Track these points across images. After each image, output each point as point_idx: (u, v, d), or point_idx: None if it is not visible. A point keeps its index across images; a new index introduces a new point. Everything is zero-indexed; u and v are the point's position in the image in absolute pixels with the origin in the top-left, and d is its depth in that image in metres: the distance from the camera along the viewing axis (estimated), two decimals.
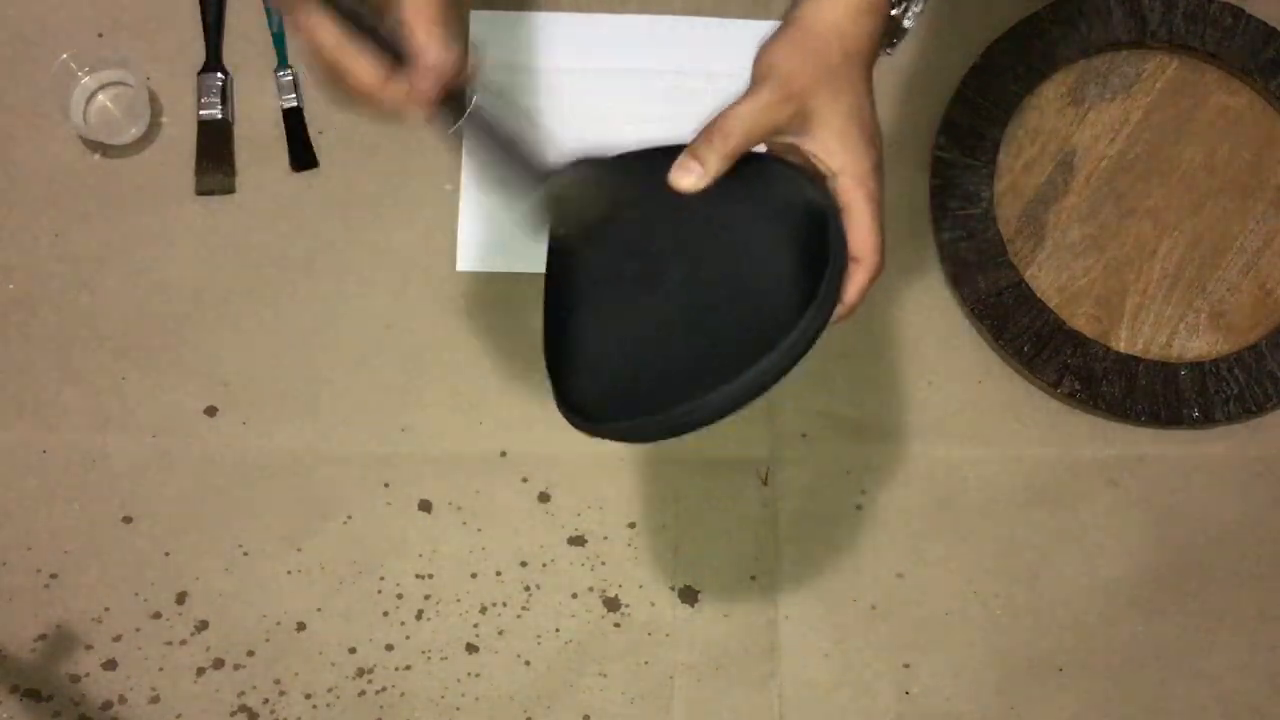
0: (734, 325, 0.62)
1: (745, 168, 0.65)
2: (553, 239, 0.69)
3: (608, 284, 0.66)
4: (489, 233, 0.96)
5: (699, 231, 0.65)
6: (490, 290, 0.96)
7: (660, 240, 0.66)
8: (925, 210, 0.97)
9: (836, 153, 0.63)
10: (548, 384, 0.67)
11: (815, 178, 0.65)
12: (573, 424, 0.64)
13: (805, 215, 0.64)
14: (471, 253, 0.96)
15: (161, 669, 0.91)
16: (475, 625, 0.91)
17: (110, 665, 0.91)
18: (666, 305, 0.64)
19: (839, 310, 0.63)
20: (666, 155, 0.66)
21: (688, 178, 0.64)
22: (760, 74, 0.64)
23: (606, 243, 0.66)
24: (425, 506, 0.93)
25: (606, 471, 0.94)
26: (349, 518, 0.93)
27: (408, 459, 0.94)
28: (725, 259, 0.64)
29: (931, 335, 0.97)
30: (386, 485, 0.93)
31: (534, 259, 0.90)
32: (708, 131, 0.64)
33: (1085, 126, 0.98)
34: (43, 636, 0.91)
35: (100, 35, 0.99)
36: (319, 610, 0.91)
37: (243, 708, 0.90)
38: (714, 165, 0.64)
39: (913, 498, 0.94)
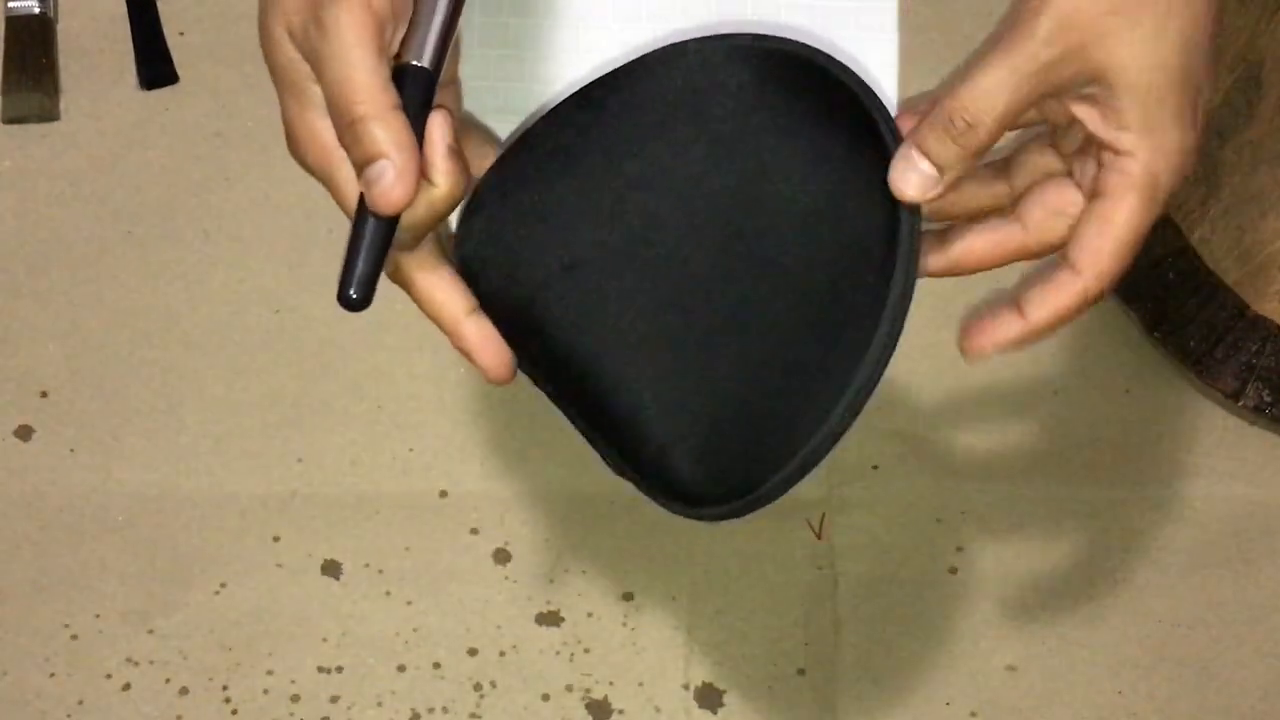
0: (797, 336, 0.62)
1: (794, 82, 0.62)
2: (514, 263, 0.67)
3: (625, 300, 0.65)
4: None
5: (721, 195, 0.64)
6: None
7: (673, 217, 0.64)
8: None
9: (1133, 127, 0.58)
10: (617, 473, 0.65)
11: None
12: (675, 511, 0.64)
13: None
14: None
15: None
16: None
17: None
18: (706, 316, 0.63)
19: (1009, 329, 0.61)
20: (657, 72, 0.64)
21: (916, 182, 0.60)
22: (1022, 7, 0.58)
23: (598, 246, 0.65)
24: (332, 569, 0.90)
25: (590, 519, 0.91)
26: (222, 586, 0.89)
27: (306, 502, 0.92)
28: (771, 233, 0.63)
29: None
30: (276, 539, 0.91)
31: None
32: (943, 116, 0.59)
33: None
34: None
35: None
36: None
37: None
38: (956, 167, 0.60)
39: (1029, 557, 0.92)
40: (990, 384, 0.95)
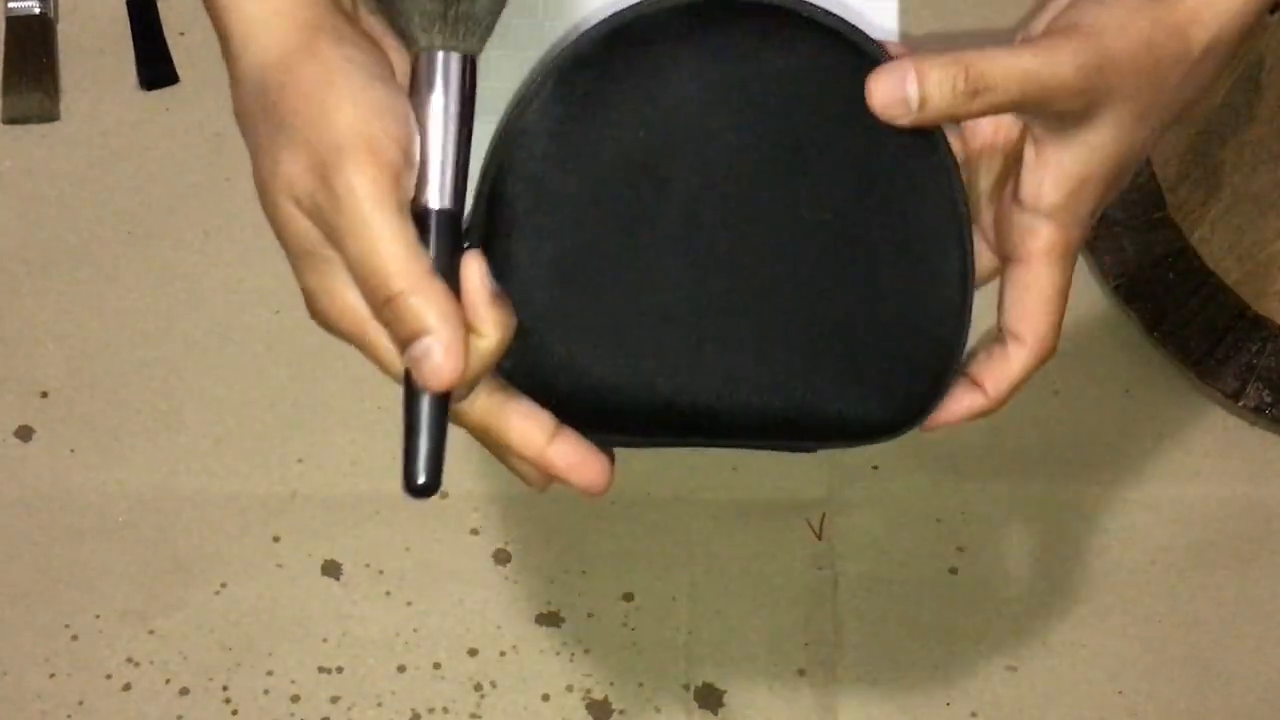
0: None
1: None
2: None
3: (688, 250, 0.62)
4: None
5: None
6: None
7: (712, 200, 0.61)
8: None
9: (1063, 184, 0.59)
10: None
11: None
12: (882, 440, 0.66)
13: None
14: None
15: None
16: None
17: None
18: (783, 278, 0.61)
19: (974, 404, 0.62)
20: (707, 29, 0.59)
21: (893, 98, 0.57)
22: (1071, 28, 0.57)
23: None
24: (332, 570, 0.91)
25: (590, 520, 0.92)
26: (222, 586, 0.90)
27: (306, 502, 0.93)
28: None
29: None
30: (276, 539, 0.91)
31: None
32: (954, 59, 0.57)
33: None
34: None
35: None
36: None
37: None
38: (941, 104, 0.57)
39: (1030, 557, 0.92)
40: None
